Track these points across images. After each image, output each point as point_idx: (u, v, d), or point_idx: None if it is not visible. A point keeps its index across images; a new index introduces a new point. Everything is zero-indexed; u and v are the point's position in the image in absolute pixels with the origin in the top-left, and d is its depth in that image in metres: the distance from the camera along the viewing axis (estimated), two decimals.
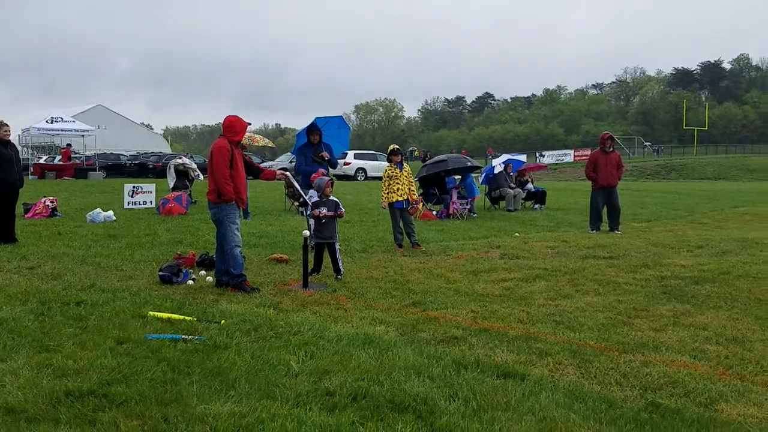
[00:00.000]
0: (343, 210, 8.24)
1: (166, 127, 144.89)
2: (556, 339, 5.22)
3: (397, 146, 10.69)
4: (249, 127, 7.70)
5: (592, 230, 12.76)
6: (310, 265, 7.63)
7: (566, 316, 5.98)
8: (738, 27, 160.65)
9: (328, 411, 3.62)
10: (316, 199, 8.07)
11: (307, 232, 7.48)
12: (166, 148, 66.16)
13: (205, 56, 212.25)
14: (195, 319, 5.55)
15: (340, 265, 7.84)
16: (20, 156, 10.42)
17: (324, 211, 7.80)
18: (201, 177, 18.50)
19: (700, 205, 20.33)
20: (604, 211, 13.00)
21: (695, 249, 10.08)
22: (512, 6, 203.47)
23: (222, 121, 7.22)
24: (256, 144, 23.57)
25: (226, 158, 6.93)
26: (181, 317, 5.57)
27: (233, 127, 7.12)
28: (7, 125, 9.71)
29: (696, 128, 77.55)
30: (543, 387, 4.06)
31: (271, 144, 22.86)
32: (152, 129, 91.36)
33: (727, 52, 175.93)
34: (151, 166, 35.73)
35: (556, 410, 3.69)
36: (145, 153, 45.36)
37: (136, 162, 37.70)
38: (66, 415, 3.50)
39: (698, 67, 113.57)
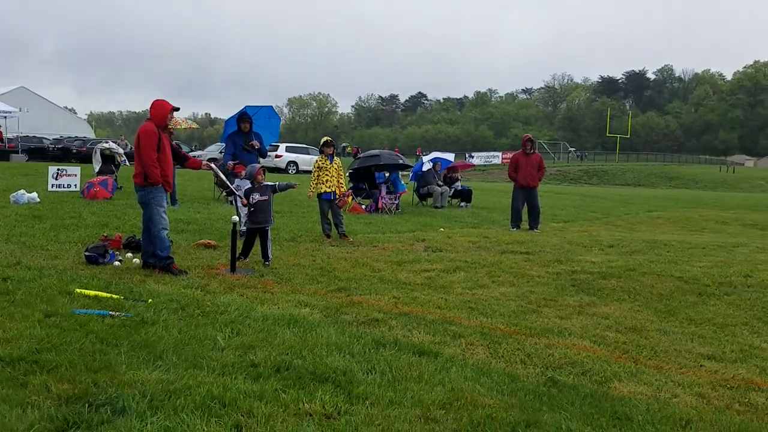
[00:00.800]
0: (293, 182, 8.71)
1: (91, 112, 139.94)
2: (470, 323, 5.59)
3: (331, 138, 10.89)
4: (178, 113, 7.73)
5: (512, 228, 13.27)
6: (239, 251, 7.75)
7: (481, 303, 6.36)
8: (664, 38, 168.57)
9: (252, 380, 3.84)
10: (248, 186, 8.19)
11: (236, 218, 7.59)
12: (90, 134, 63.96)
13: (135, 42, 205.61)
14: (122, 297, 5.63)
15: (269, 252, 8.00)
16: None
17: (257, 197, 7.93)
18: (127, 163, 18.17)
19: (616, 209, 21.39)
20: (525, 210, 13.55)
21: (606, 248, 10.72)
22: (447, 8, 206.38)
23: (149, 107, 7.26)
24: (179, 127, 23.21)
25: (153, 141, 6.97)
26: (108, 295, 5.63)
27: (160, 110, 7.16)
28: None
29: (619, 136, 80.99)
30: (454, 363, 4.40)
31: (195, 125, 22.65)
32: (76, 113, 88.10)
33: (652, 63, 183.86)
34: (74, 151, 34.49)
35: (464, 383, 4.03)
36: (69, 137, 43.71)
37: (60, 146, 36.34)
38: None
39: (623, 76, 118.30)
